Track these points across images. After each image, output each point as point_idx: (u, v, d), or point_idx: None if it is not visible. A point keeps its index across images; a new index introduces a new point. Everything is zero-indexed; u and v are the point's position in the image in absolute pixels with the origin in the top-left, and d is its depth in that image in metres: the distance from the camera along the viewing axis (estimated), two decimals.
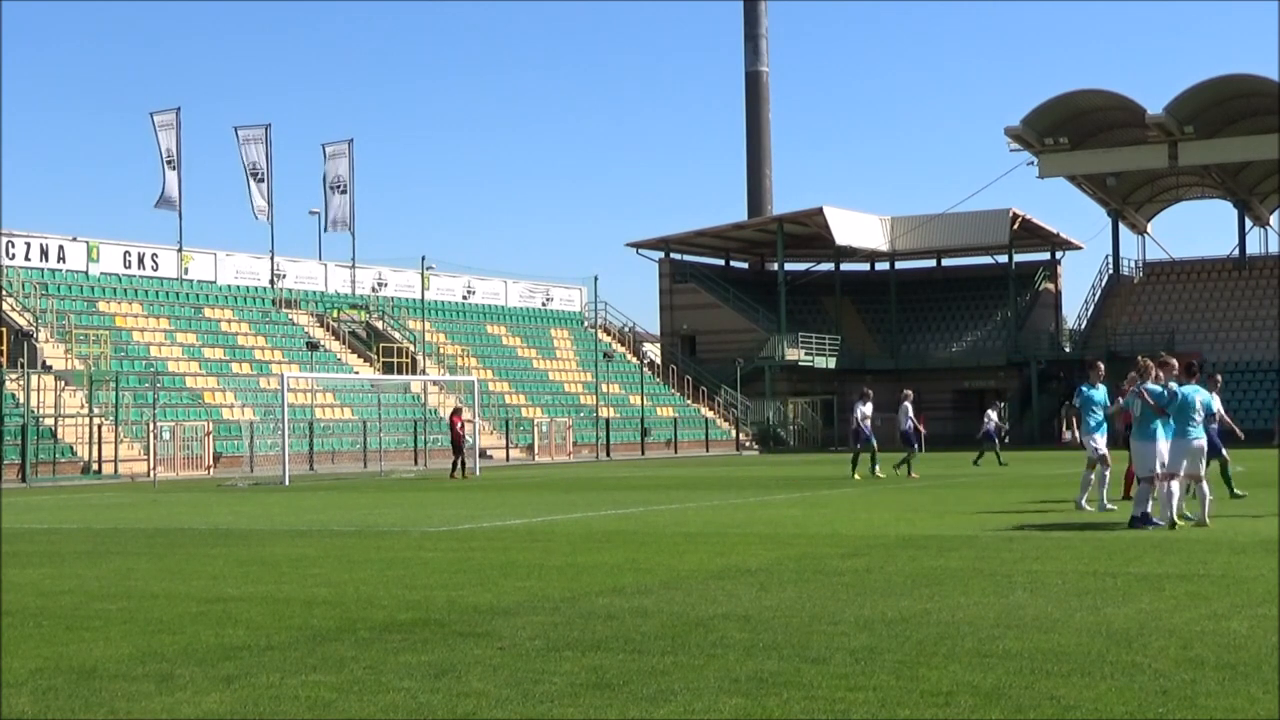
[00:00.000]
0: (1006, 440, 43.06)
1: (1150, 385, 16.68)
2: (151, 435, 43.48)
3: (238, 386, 51.80)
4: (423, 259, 63.61)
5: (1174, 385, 16.63)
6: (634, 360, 72.44)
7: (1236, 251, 78.45)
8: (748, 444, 67.66)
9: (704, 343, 76.35)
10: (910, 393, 35.12)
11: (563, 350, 70.01)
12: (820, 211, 73.60)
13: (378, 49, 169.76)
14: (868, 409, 32.57)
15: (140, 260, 56.29)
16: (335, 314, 61.53)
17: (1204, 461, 16.78)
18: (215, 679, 7.84)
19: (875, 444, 32.05)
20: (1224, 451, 21.35)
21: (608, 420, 61.48)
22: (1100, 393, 19.37)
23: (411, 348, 60.23)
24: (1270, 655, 8.01)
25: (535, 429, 57.95)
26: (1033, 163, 74.02)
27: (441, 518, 21.05)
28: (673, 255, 78.80)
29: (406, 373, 57.04)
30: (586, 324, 74.41)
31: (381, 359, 58.26)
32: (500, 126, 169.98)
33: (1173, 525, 16.14)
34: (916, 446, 33.41)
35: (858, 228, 76.28)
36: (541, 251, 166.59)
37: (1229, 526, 16.46)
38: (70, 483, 40.42)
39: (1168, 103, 68.84)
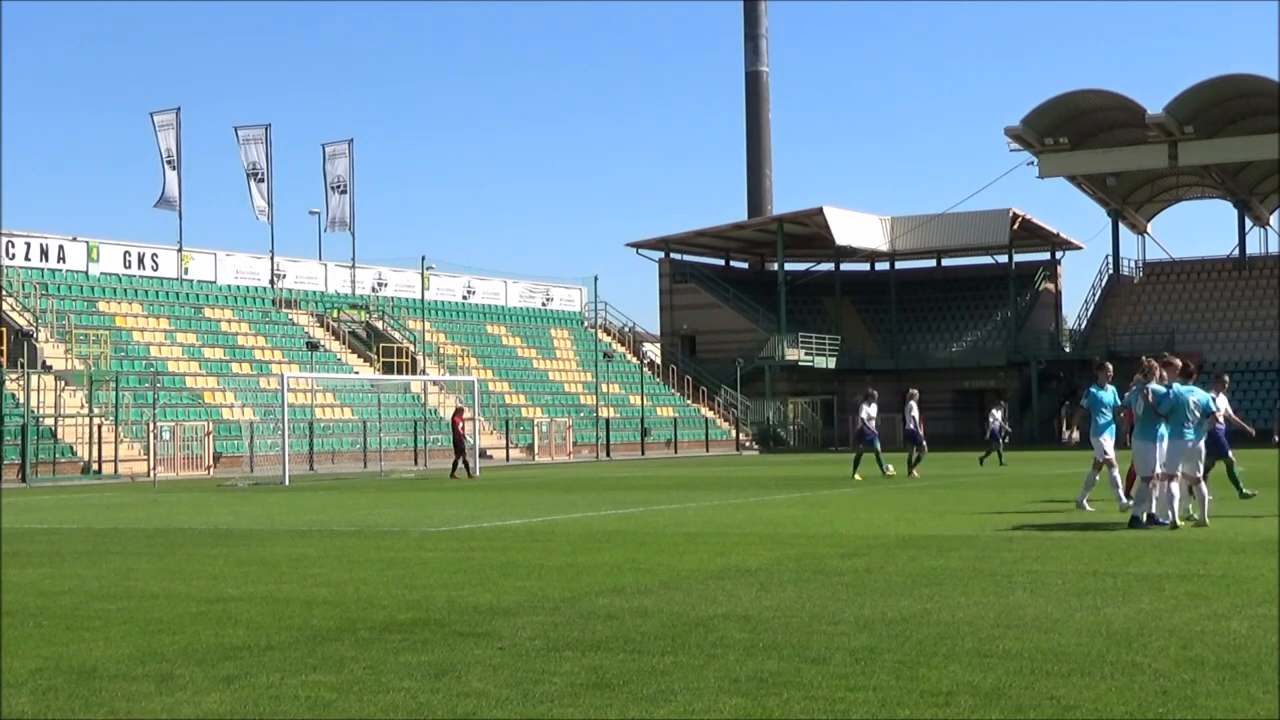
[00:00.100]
0: (1007, 440, 43.04)
1: (1154, 385, 16.68)
2: (151, 435, 43.48)
3: (238, 386, 51.80)
4: (423, 259, 63.72)
5: (1164, 387, 16.65)
6: (634, 360, 72.44)
7: (1236, 251, 78.46)
8: (748, 444, 67.67)
9: (704, 343, 76.35)
10: (916, 392, 35.12)
11: (563, 350, 70.01)
12: (820, 211, 73.60)
13: (378, 49, 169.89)
14: (872, 409, 32.57)
15: (140, 260, 56.30)
16: (335, 314, 61.54)
17: (1202, 462, 16.75)
18: (215, 679, 7.84)
19: (879, 444, 32.03)
20: (1230, 452, 21.32)
21: (608, 420, 61.49)
22: (1109, 394, 19.34)
23: (411, 348, 60.24)
24: (1270, 655, 8.00)
25: (535, 429, 57.95)
26: (1033, 163, 74.04)
27: (441, 518, 21.05)
28: (673, 255, 78.81)
29: (406, 373, 57.04)
30: (586, 324, 74.41)
31: (381, 359, 58.27)
32: (500, 126, 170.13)
33: (1174, 525, 16.15)
34: (924, 446, 33.38)
35: (858, 228, 76.28)
36: (541, 251, 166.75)
37: (1229, 526, 16.46)
38: (70, 483, 40.42)
39: (1168, 103, 68.86)
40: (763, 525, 18.30)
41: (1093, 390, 19.38)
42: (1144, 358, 17.84)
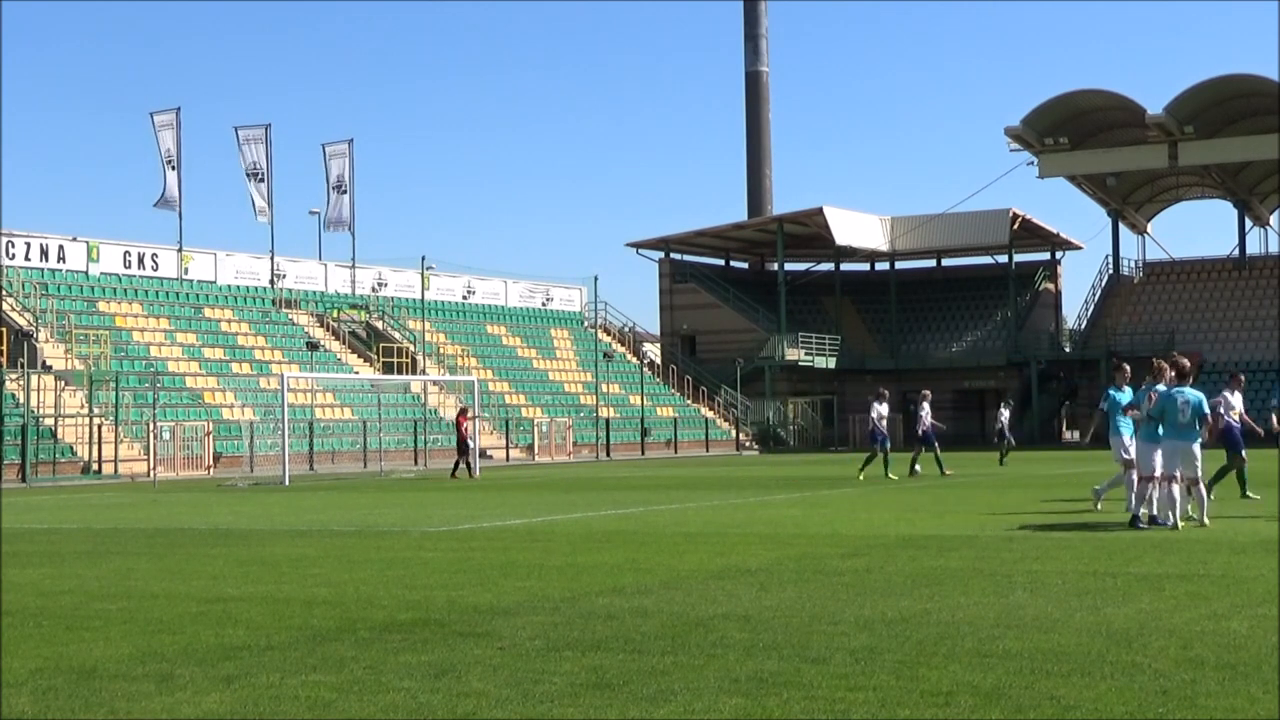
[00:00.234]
0: (997, 441, 43.05)
1: (1161, 386, 16.68)
2: (151, 435, 43.48)
3: (238, 386, 51.80)
4: (423, 259, 63.70)
5: (1161, 387, 16.66)
6: (634, 360, 72.44)
7: (1236, 251, 78.45)
8: (748, 444, 67.66)
9: (704, 343, 76.34)
10: (928, 393, 35.09)
11: (563, 350, 70.01)
12: (820, 211, 73.59)
13: (378, 49, 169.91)
14: (884, 409, 32.55)
15: (140, 260, 56.29)
16: (335, 314, 61.53)
17: (1200, 464, 16.71)
18: (215, 679, 7.84)
19: (889, 446, 32.00)
20: (1243, 452, 21.28)
21: (608, 420, 61.49)
22: (1127, 395, 19.29)
23: (411, 348, 60.24)
24: (1270, 655, 8.01)
25: (535, 429, 57.95)
26: (1033, 163, 74.02)
27: (441, 518, 21.05)
28: (673, 255, 78.80)
29: (406, 373, 57.04)
30: (586, 324, 74.41)
31: (381, 359, 58.27)
32: (500, 126, 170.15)
33: (1175, 527, 16.15)
34: (937, 445, 33.35)
35: (858, 228, 76.28)
36: (541, 251, 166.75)
37: (1229, 526, 16.47)
38: (70, 483, 40.42)
39: (1168, 103, 68.84)
40: (763, 525, 18.30)
41: (1111, 392, 19.26)
42: (1155, 359, 17.83)
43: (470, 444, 38.76)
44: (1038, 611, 9.77)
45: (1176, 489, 16.37)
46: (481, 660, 8.26)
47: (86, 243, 54.87)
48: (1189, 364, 17.13)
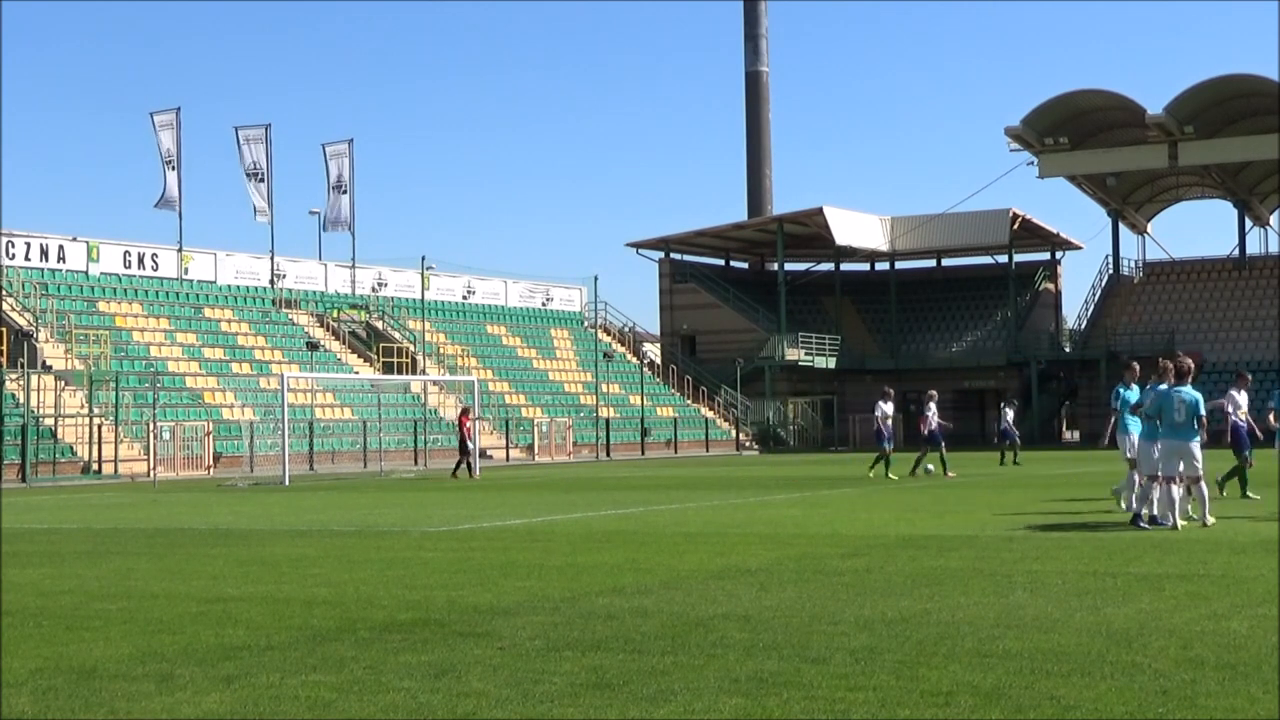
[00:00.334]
0: (997, 440, 43.08)
1: (1162, 386, 16.68)
2: (151, 435, 43.48)
3: (238, 386, 51.80)
4: (423, 259, 63.70)
5: (1164, 387, 16.65)
6: (634, 360, 72.43)
7: (1236, 251, 78.44)
8: (748, 444, 67.66)
9: (704, 343, 76.34)
10: (935, 393, 35.07)
11: (563, 350, 70.01)
12: (820, 211, 73.59)
13: (378, 49, 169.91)
14: (889, 408, 32.51)
15: (140, 260, 56.30)
16: (335, 314, 61.53)
17: (1200, 463, 16.70)
18: (215, 679, 7.84)
19: (892, 446, 31.98)
20: (1246, 451, 21.26)
21: (608, 420, 61.48)
22: (1135, 393, 19.27)
23: (411, 348, 60.24)
24: (1270, 655, 8.01)
25: (535, 429, 57.94)
26: (1033, 163, 74.02)
27: (441, 518, 21.05)
28: (673, 255, 78.80)
29: (406, 373, 57.04)
30: (586, 324, 74.41)
31: (381, 359, 58.27)
32: (500, 126, 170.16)
33: (1175, 527, 16.14)
34: (943, 446, 33.34)
35: (858, 228, 76.28)
36: (541, 251, 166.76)
37: (1229, 526, 16.47)
38: (70, 483, 40.42)
39: (1168, 103, 68.84)
40: (763, 525, 18.30)
41: (1120, 390, 19.23)
42: (1160, 359, 17.82)
43: (470, 445, 38.77)
44: (1038, 611, 9.77)
45: (1176, 489, 16.36)
46: (481, 660, 8.26)
47: (86, 243, 54.87)
48: (1190, 364, 17.08)
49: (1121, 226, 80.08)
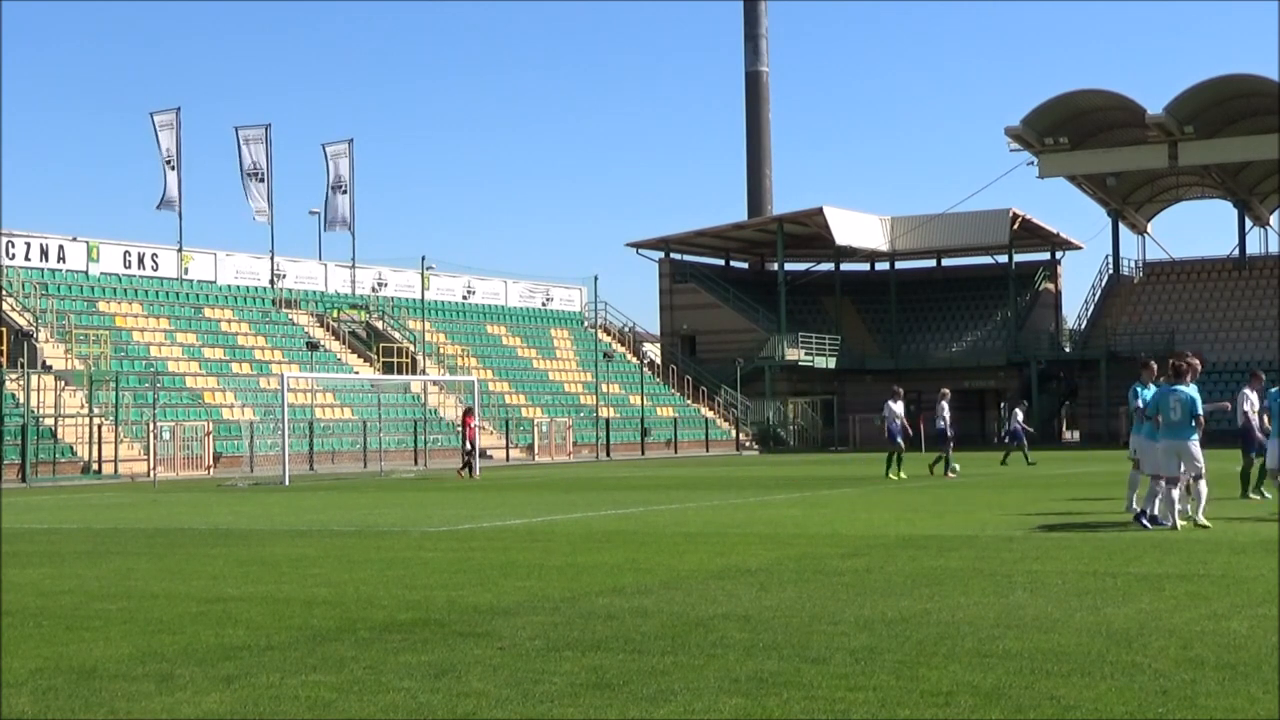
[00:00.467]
0: (1007, 440, 43.05)
1: (1177, 387, 16.66)
2: (151, 435, 43.48)
3: (238, 386, 51.80)
4: (423, 259, 63.70)
5: (1154, 387, 16.64)
6: (634, 360, 72.43)
7: (1236, 251, 78.43)
8: (748, 444, 67.66)
9: (704, 343, 76.35)
10: (947, 392, 35.05)
11: (563, 350, 70.01)
12: (820, 211, 73.59)
13: (378, 49, 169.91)
14: (898, 407, 32.49)
15: (140, 260, 56.29)
16: (335, 314, 61.53)
17: (1200, 461, 16.68)
18: (215, 679, 7.84)
19: (902, 445, 31.97)
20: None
21: (608, 420, 61.48)
22: (1151, 392, 19.22)
23: (411, 348, 60.23)
24: (1270, 655, 8.01)
25: (535, 429, 57.94)
26: (1033, 163, 74.01)
27: (441, 518, 21.05)
28: (673, 255, 78.80)
29: (406, 373, 57.04)
30: (586, 324, 74.41)
31: (381, 359, 58.27)
32: (500, 126, 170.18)
33: (1174, 527, 16.15)
34: (949, 446, 33.34)
35: (858, 228, 76.28)
36: (541, 251, 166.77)
37: (1229, 526, 16.48)
38: (70, 483, 40.42)
39: (1168, 103, 68.83)
40: (763, 525, 18.30)
41: (1137, 388, 19.11)
42: (1170, 358, 17.80)
43: (469, 445, 38.77)
44: (1038, 611, 9.77)
45: (1176, 490, 16.36)
46: (481, 660, 8.26)
47: (86, 243, 54.87)
48: (1191, 364, 17.04)
49: (1121, 226, 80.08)
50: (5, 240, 51.55)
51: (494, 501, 25.45)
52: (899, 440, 31.97)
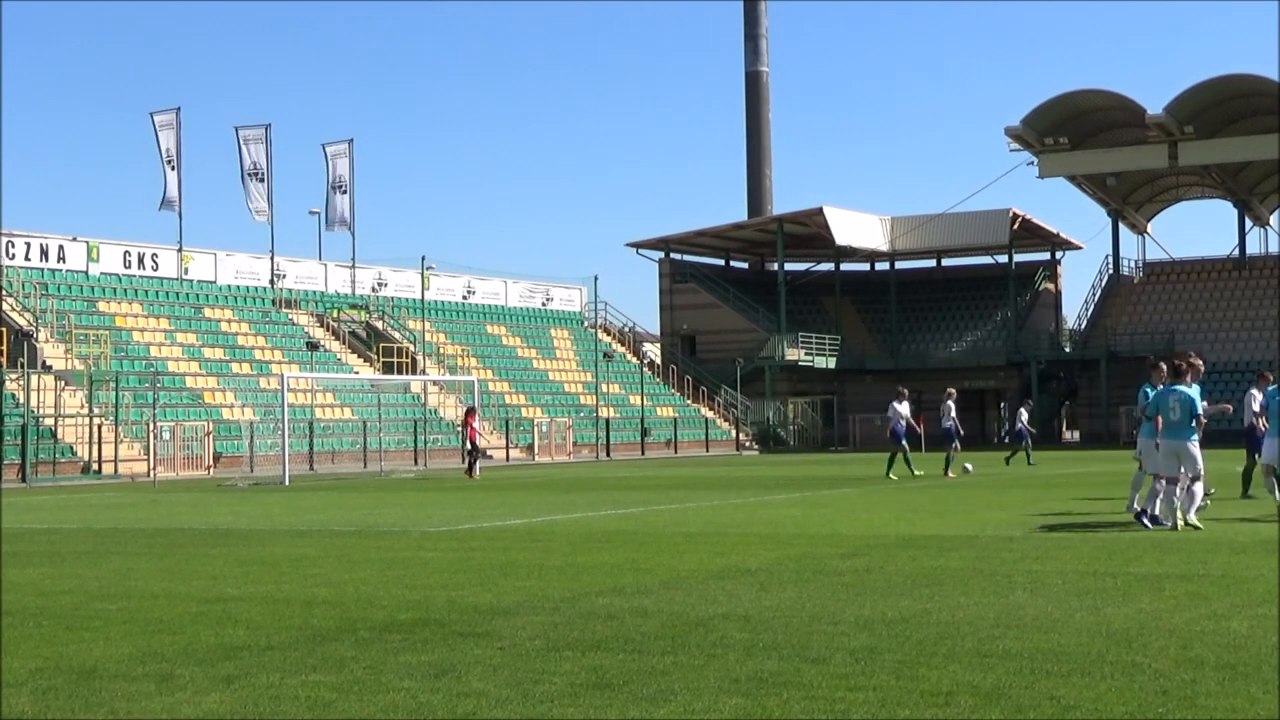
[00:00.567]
0: (1007, 439, 43.08)
1: (1180, 387, 16.66)
2: (151, 435, 43.48)
3: (238, 386, 51.80)
4: (423, 259, 63.71)
5: (1156, 386, 16.63)
6: (634, 360, 72.43)
7: (1236, 251, 78.44)
8: (748, 444, 67.65)
9: (704, 343, 76.35)
10: (953, 391, 35.09)
11: (563, 350, 70.01)
12: (820, 211, 73.60)
13: (378, 49, 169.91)
14: (904, 408, 32.51)
15: (140, 260, 56.29)
16: (335, 314, 61.52)
17: (1199, 462, 16.65)
18: (215, 679, 7.84)
19: (906, 446, 31.98)
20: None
21: (608, 420, 61.48)
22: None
23: (411, 348, 60.23)
24: (1270, 655, 8.00)
25: (535, 429, 57.94)
26: (1033, 163, 74.01)
27: (441, 518, 21.05)
28: (673, 255, 78.80)
29: (406, 373, 57.04)
30: (586, 324, 74.40)
31: (381, 359, 58.27)
32: (500, 126, 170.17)
33: (1174, 527, 16.14)
34: (957, 446, 33.38)
35: (858, 228, 76.28)
36: (541, 251, 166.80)
37: (1229, 527, 16.47)
38: (70, 483, 40.42)
39: (1168, 103, 68.84)
40: (763, 525, 18.30)
41: (1148, 389, 19.06)
42: (1176, 359, 17.79)
43: (470, 444, 38.80)
44: (1038, 611, 9.76)
45: (1177, 491, 16.35)
46: (481, 660, 8.25)
47: (86, 243, 54.87)
48: (1192, 365, 17.02)
49: (1121, 226, 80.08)
50: (5, 240, 51.55)
51: (494, 501, 25.44)
52: (903, 441, 31.97)
